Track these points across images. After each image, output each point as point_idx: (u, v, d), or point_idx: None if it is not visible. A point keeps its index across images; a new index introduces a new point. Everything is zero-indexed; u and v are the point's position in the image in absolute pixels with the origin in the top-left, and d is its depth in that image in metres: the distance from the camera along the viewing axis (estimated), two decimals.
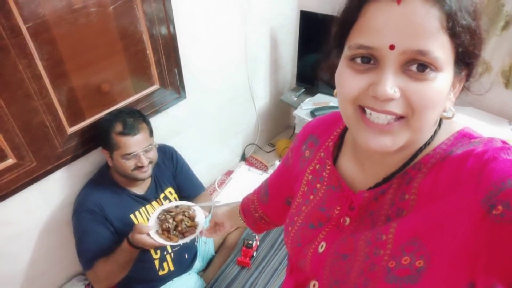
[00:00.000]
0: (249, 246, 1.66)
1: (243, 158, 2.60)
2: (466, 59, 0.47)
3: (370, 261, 0.55)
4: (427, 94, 0.45)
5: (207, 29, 1.80)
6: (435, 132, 0.54)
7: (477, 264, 0.44)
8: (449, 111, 0.52)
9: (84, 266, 1.42)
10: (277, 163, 2.39)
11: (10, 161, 1.28)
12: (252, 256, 1.67)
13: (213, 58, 1.93)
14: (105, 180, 1.51)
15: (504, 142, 0.48)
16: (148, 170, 1.45)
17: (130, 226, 1.40)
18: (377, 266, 0.54)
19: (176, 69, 1.70)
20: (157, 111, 1.72)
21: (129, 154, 1.38)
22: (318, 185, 0.67)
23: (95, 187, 1.49)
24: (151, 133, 1.48)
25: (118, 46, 1.43)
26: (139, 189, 1.56)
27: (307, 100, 2.24)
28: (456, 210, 0.46)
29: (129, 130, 1.37)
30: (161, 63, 1.62)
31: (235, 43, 2.03)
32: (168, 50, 1.62)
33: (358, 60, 0.48)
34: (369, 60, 0.47)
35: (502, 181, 0.42)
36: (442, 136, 0.54)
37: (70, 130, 1.41)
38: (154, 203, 1.59)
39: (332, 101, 2.16)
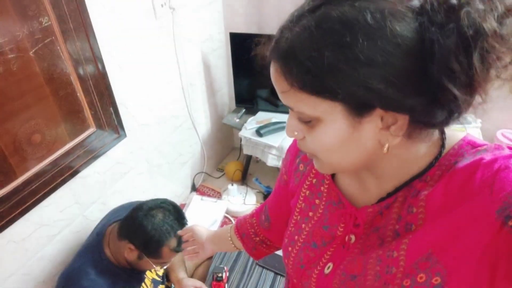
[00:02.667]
0: (219, 279, 1.58)
1: (194, 188, 2.51)
2: (359, 108, 0.45)
3: (382, 280, 0.53)
4: (315, 139, 0.50)
5: (138, 63, 1.73)
6: (443, 145, 0.52)
7: (496, 276, 0.43)
8: (386, 146, 0.49)
9: None
10: (230, 187, 2.34)
11: None
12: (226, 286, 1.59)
13: (148, 91, 1.86)
14: (102, 266, 1.30)
15: (511, 148, 0.48)
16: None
17: None
18: (391, 286, 0.52)
19: (111, 108, 1.61)
20: (96, 156, 1.60)
21: (167, 263, 1.34)
22: (317, 201, 0.65)
23: (95, 279, 1.26)
24: None
25: (45, 91, 1.31)
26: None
27: (249, 119, 2.24)
28: (470, 222, 0.45)
29: (180, 248, 1.28)
30: (95, 104, 1.52)
31: (169, 73, 1.97)
32: (100, 89, 1.52)
33: None
34: None
35: None
36: (446, 147, 0.52)
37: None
38: (148, 272, 1.48)
39: (274, 117, 2.19)
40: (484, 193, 0.44)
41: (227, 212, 2.28)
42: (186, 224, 1.35)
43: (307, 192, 0.67)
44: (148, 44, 1.76)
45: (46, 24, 1.24)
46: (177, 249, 1.30)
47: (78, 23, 1.34)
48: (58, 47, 1.31)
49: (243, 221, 0.94)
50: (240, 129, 2.20)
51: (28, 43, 1.20)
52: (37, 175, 1.36)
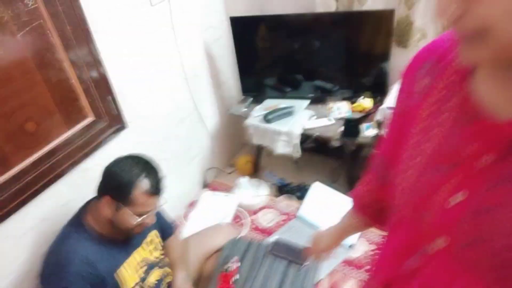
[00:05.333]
0: (227, 270, 1.49)
1: (205, 185, 2.45)
2: None
3: None
4: None
5: (136, 52, 1.69)
6: None
7: None
8: None
9: None
10: (241, 180, 2.26)
11: None
12: (233, 278, 1.50)
13: (149, 82, 1.81)
14: (83, 231, 1.25)
15: None
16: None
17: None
18: None
19: (110, 97, 1.56)
20: (97, 147, 1.55)
21: (145, 213, 1.23)
22: (443, 116, 0.52)
23: (75, 242, 1.22)
24: None
25: (36, 77, 1.27)
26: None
27: (257, 107, 2.16)
28: None
29: (156, 191, 1.23)
30: (91, 92, 1.48)
31: (170, 64, 1.93)
32: (96, 76, 1.48)
33: None
34: None
35: None
36: None
37: None
38: (139, 249, 1.39)
39: (282, 103, 2.10)
40: None
41: (240, 206, 2.20)
42: (156, 170, 1.27)
43: (433, 107, 0.54)
44: (144, 31, 1.72)
45: (32, 6, 1.21)
46: (152, 191, 1.22)
47: (68, 6, 1.31)
48: (48, 31, 1.28)
49: (358, 195, 0.85)
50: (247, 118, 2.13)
51: (14, 26, 1.17)
52: (34, 165, 1.32)
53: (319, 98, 2.13)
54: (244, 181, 2.24)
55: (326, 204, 2.02)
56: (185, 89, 2.07)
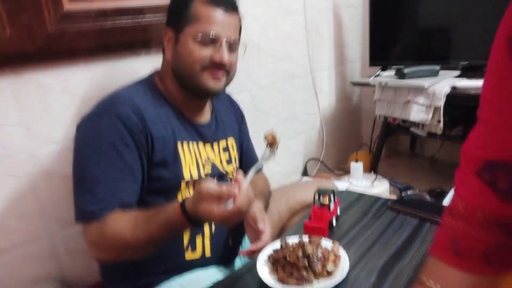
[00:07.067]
0: (324, 204, 0.98)
1: (305, 173, 1.99)
2: None
3: None
4: None
5: None
6: None
7: None
8: None
9: (85, 213, 0.81)
10: (353, 164, 1.75)
11: None
12: (331, 223, 0.97)
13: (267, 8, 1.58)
14: (150, 89, 0.94)
15: None
16: (222, 81, 0.94)
17: (177, 165, 0.91)
18: None
19: None
20: None
21: (209, 34, 0.88)
22: None
23: (135, 91, 0.92)
24: (240, 30, 0.99)
25: None
26: (195, 118, 1.00)
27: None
28: None
29: (222, 1, 0.90)
30: None
31: (294, 9, 1.70)
32: None
33: None
34: None
35: None
36: None
37: (68, 7, 1.02)
38: (208, 147, 1.01)
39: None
40: None
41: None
42: None
43: None
44: None
45: None
46: (216, 0, 0.88)
47: None
48: None
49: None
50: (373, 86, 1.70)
51: None
52: None
53: (476, 68, 1.60)
54: (357, 166, 1.73)
55: None
56: (304, 42, 1.78)
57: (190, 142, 0.96)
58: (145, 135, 0.86)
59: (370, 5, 1.83)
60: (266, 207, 1.14)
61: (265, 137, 0.83)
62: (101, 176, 0.82)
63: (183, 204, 0.73)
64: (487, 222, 0.44)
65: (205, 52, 0.89)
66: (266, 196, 1.16)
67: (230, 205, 0.69)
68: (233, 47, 0.93)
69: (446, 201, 1.50)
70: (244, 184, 0.72)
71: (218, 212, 0.68)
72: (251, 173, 0.77)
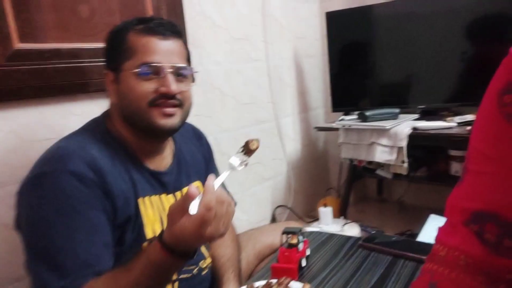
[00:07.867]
0: (292, 245, 0.91)
1: (274, 222, 1.91)
2: None
3: None
4: None
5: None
6: None
7: None
8: None
9: (59, 283, 0.68)
10: (322, 209, 1.71)
11: None
12: (301, 264, 0.90)
13: (231, 54, 1.61)
14: (102, 135, 0.84)
15: None
16: (176, 116, 0.83)
17: (138, 224, 0.81)
18: None
19: None
20: None
21: (150, 64, 0.79)
22: None
23: (86, 140, 0.81)
24: (188, 57, 0.89)
25: None
26: (155, 164, 0.90)
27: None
28: None
29: (157, 28, 0.81)
30: None
31: (256, 57, 1.74)
32: None
33: None
34: None
35: None
36: None
37: (20, 45, 0.98)
38: (171, 198, 0.91)
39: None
40: None
41: None
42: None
43: None
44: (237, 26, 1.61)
45: None
46: (151, 28, 0.80)
47: None
48: None
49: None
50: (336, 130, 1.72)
51: None
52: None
53: (433, 112, 1.67)
54: (328, 211, 1.69)
55: None
56: (267, 89, 1.81)
57: (153, 196, 0.86)
58: (105, 191, 0.75)
59: (329, 55, 1.91)
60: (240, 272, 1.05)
61: (249, 142, 0.73)
62: (66, 244, 0.70)
63: (160, 236, 0.66)
64: (470, 268, 0.41)
65: (149, 86, 0.79)
66: (238, 262, 1.07)
67: (194, 208, 0.62)
68: (181, 75, 0.83)
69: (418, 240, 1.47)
70: (210, 181, 0.64)
71: (190, 223, 0.61)
72: (224, 174, 0.71)
